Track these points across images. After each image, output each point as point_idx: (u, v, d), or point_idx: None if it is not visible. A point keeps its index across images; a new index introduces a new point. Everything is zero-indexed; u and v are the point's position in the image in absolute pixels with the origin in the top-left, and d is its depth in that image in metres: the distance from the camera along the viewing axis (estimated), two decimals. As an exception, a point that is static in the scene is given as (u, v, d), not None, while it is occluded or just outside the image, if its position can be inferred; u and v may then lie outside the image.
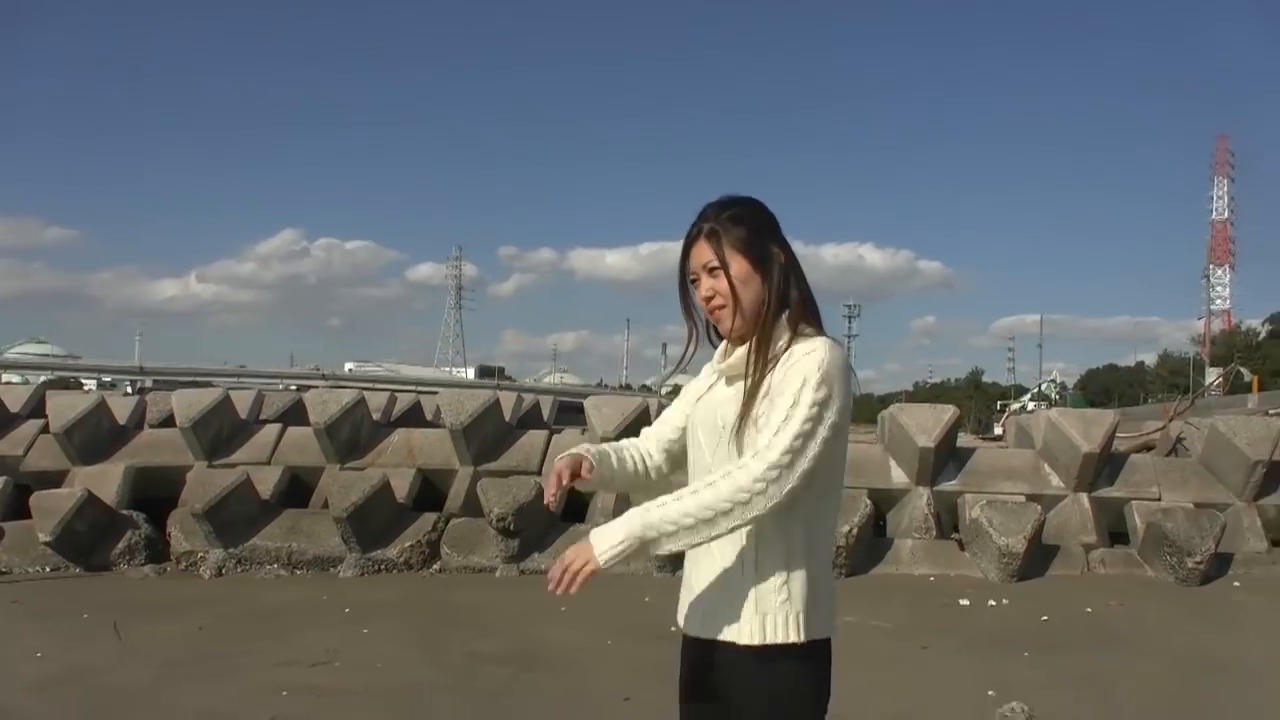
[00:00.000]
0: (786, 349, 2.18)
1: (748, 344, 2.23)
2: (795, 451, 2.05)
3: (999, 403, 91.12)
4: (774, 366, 2.17)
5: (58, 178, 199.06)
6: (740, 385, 2.21)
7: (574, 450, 2.37)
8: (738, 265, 2.21)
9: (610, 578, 7.08)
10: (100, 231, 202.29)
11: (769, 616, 2.12)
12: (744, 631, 2.14)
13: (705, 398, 2.35)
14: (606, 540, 2.06)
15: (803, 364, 2.12)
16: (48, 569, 9.33)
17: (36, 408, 11.75)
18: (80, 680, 6.10)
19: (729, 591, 2.18)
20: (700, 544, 2.09)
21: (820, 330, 2.25)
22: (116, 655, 6.69)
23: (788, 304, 2.24)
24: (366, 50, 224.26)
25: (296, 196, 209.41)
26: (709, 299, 2.26)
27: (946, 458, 10.13)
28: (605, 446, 2.46)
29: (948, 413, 10.16)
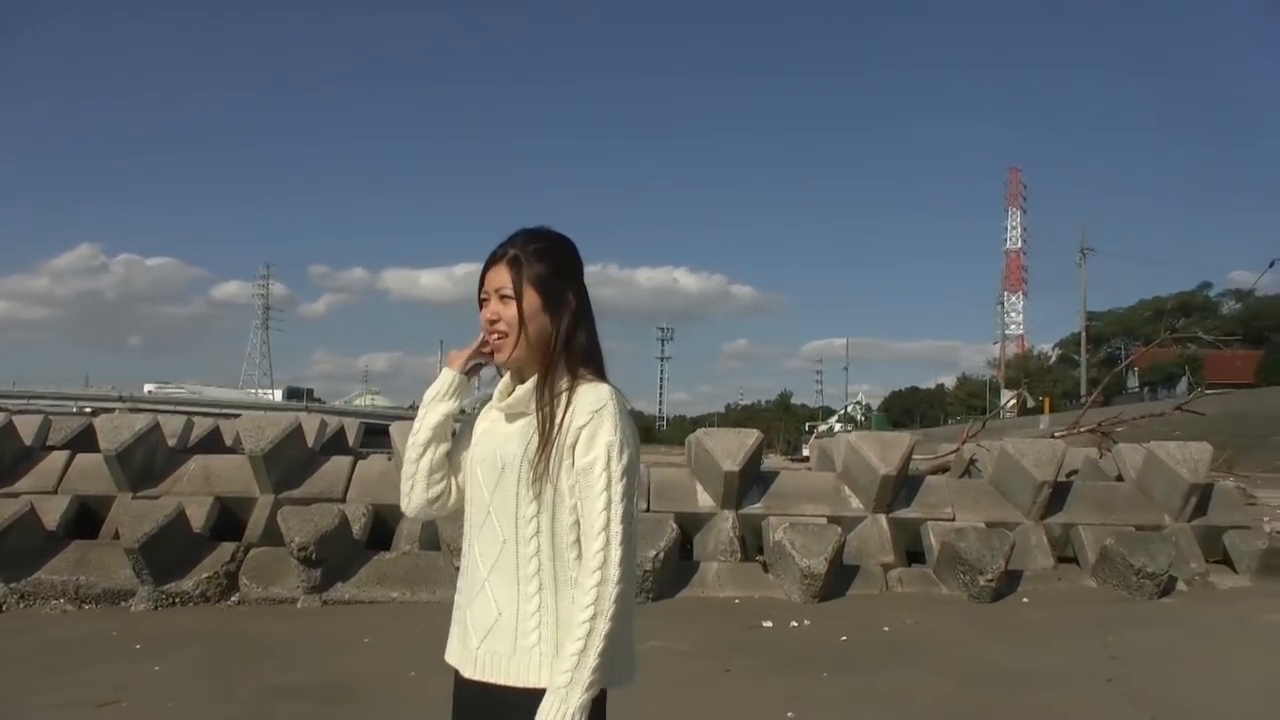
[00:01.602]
0: (569, 390, 2.25)
1: (529, 382, 2.29)
2: (627, 533, 2.17)
3: (808, 424, 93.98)
4: (556, 405, 2.23)
5: None
6: (521, 423, 2.28)
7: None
8: (530, 298, 2.27)
9: (414, 608, 7.08)
10: None
11: (559, 660, 2.14)
12: (537, 673, 2.17)
13: (485, 434, 2.38)
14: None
15: (600, 430, 2.18)
16: None
17: None
18: None
19: (522, 633, 2.21)
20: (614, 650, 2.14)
21: (601, 376, 2.32)
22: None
23: (573, 347, 2.30)
24: (174, 65, 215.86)
25: (96, 210, 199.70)
26: (493, 322, 2.31)
27: (751, 481, 10.42)
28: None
29: (751, 437, 10.45)
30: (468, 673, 2.28)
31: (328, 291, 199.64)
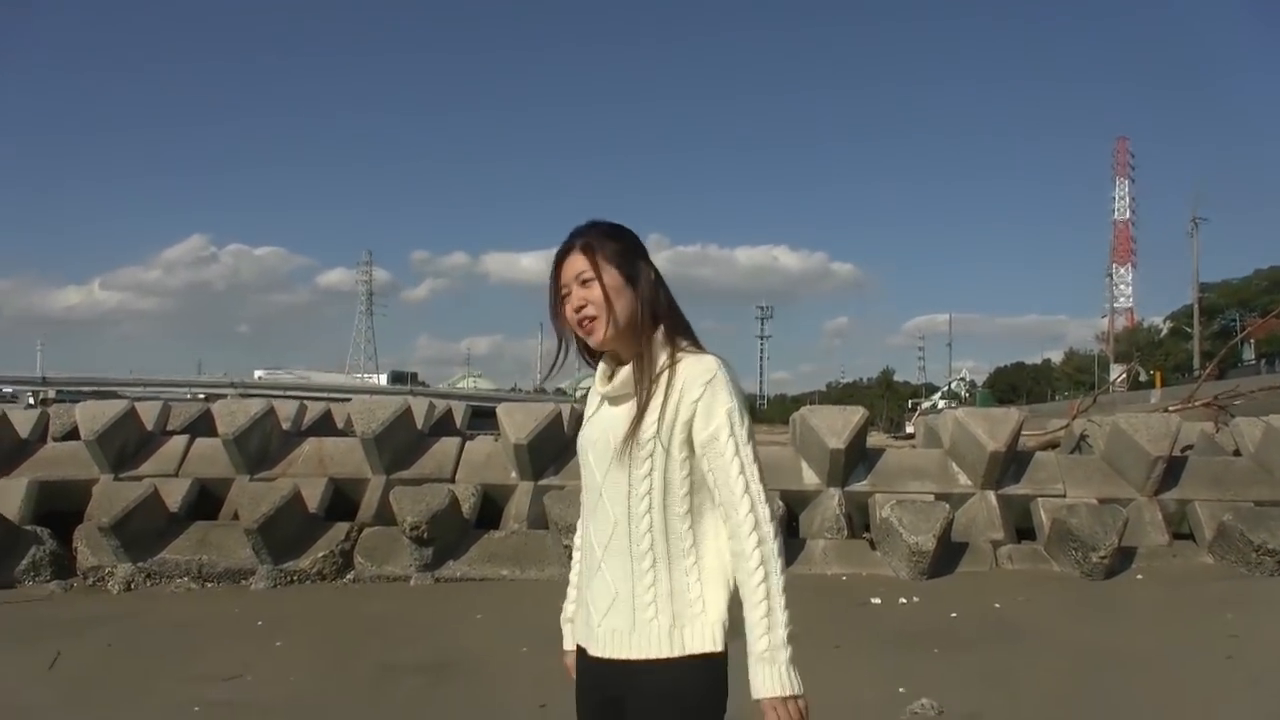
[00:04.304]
0: (670, 365, 2.27)
1: (629, 365, 2.31)
2: (765, 492, 2.23)
3: (910, 401, 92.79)
4: (659, 384, 2.25)
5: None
6: (626, 405, 2.29)
7: (567, 649, 2.52)
8: (610, 276, 2.29)
9: (523, 586, 7.17)
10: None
11: (685, 629, 2.21)
12: (659, 645, 2.21)
13: (593, 420, 2.41)
14: (781, 683, 2.17)
15: (716, 400, 2.22)
16: (-52, 587, 9.12)
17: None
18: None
19: (639, 608, 2.24)
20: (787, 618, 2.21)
21: (697, 344, 2.34)
22: (22, 676, 6.58)
23: (659, 318, 2.32)
24: (276, 48, 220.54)
25: (205, 201, 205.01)
26: (580, 309, 2.31)
27: (857, 458, 10.34)
28: (573, 611, 2.53)
29: (857, 414, 10.37)
30: (593, 650, 2.32)
31: (429, 276, 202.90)
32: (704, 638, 2.21)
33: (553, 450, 10.36)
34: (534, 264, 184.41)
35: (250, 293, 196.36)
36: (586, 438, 2.40)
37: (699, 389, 2.22)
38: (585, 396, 2.54)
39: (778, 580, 2.17)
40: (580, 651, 2.38)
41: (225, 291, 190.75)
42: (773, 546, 2.18)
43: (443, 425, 12.11)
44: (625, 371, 2.31)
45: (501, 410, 10.73)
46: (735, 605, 2.24)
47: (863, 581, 9.03)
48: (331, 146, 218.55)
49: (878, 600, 8.37)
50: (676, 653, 2.21)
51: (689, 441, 2.24)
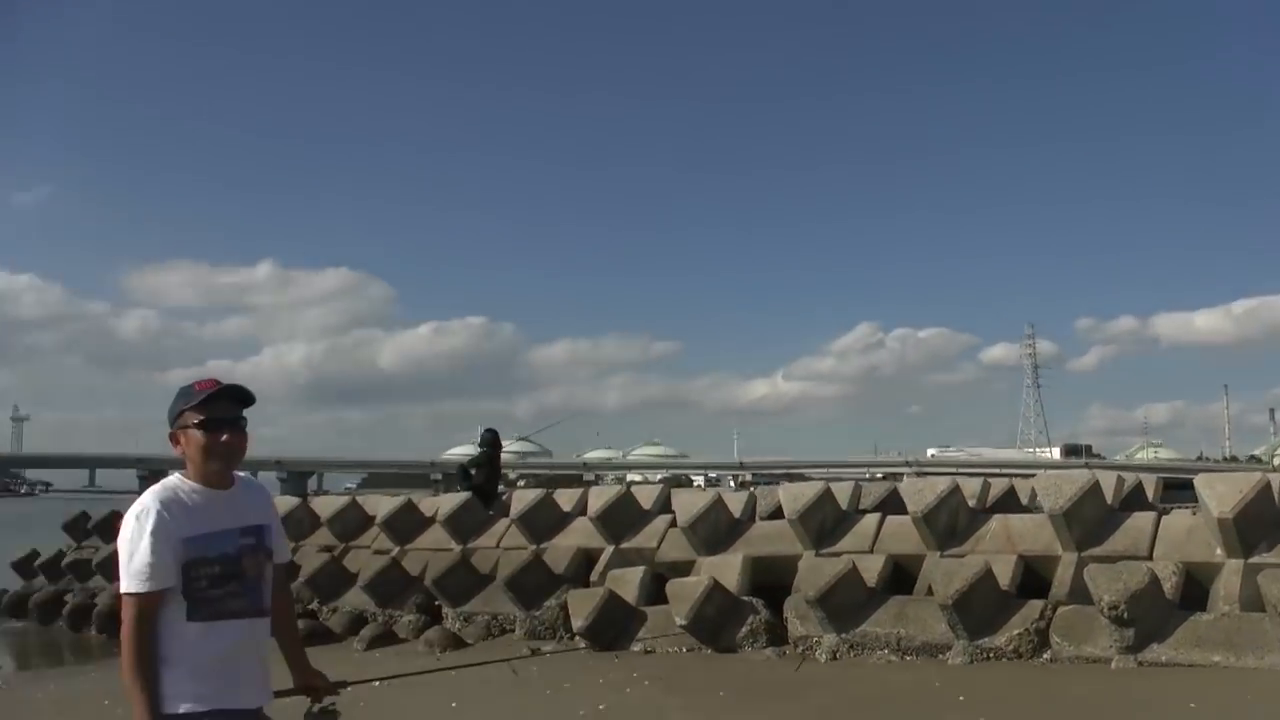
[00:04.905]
0: None
1: None
2: None
3: None
4: None
5: (659, 299, 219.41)
6: None
7: None
8: None
9: (1243, 672, 6.68)
10: (697, 343, 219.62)
11: None
12: None
13: None
14: None
15: None
16: (683, 649, 10.35)
17: (664, 504, 13.18)
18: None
19: None
20: None
21: None
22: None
23: None
24: (910, 135, 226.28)
25: (868, 290, 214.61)
26: None
27: None
28: None
29: None
30: None
31: (1096, 344, 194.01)
32: None
33: (1263, 524, 9.49)
34: (1209, 321, 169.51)
35: (917, 374, 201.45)
36: None
37: None
38: None
39: None
40: None
41: (894, 374, 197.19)
42: None
43: (1133, 499, 11.58)
44: None
45: (1200, 481, 10.03)
46: None
47: None
48: (993, 230, 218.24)
49: None
50: None
51: None
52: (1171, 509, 11.30)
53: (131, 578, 3.10)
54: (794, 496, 11.62)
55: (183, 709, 3.12)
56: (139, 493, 3.42)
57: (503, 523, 13.81)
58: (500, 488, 16.06)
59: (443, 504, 14.67)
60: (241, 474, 3.46)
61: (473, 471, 15.41)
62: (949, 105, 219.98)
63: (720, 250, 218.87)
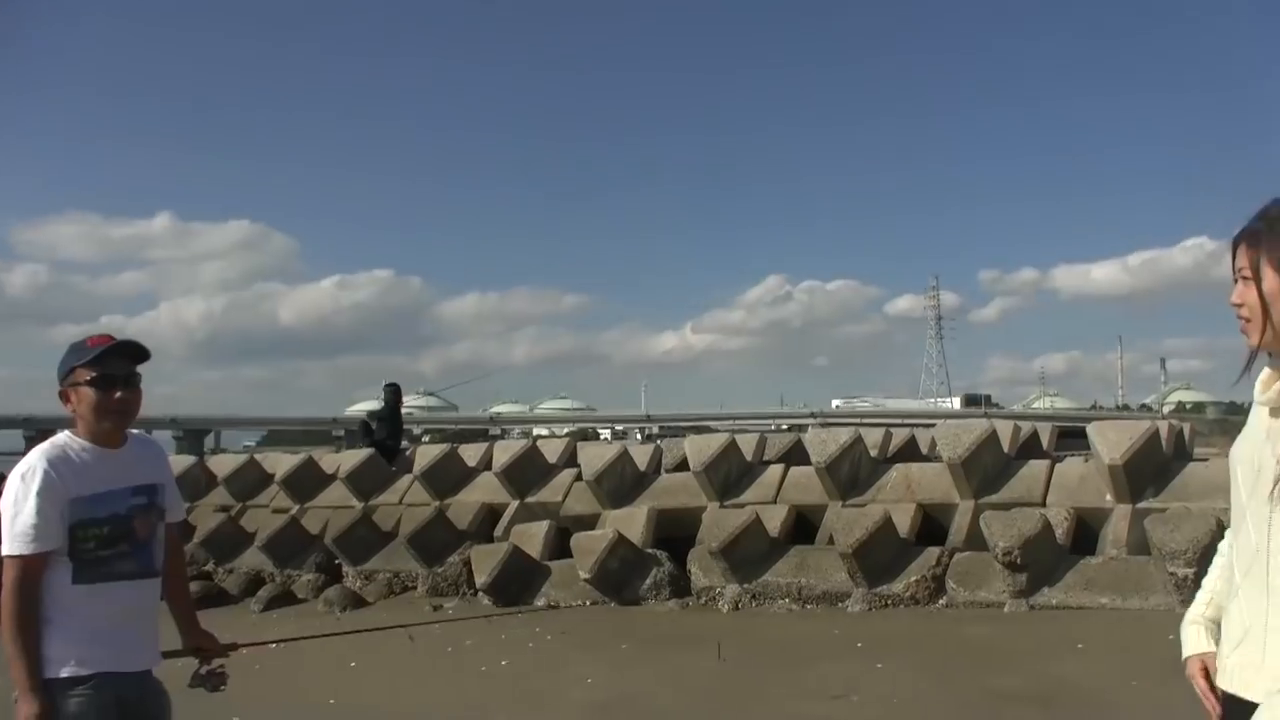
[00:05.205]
0: None
1: None
2: None
3: None
4: None
5: (569, 252, 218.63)
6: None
7: (1190, 654, 2.32)
8: (1270, 280, 2.03)
9: (1125, 615, 6.79)
10: (607, 296, 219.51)
11: None
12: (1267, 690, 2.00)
13: (1247, 432, 2.18)
14: None
15: None
16: (587, 602, 10.35)
17: (570, 458, 13.15)
18: (629, 705, 6.78)
19: (1261, 646, 2.04)
20: None
21: None
22: (656, 682, 7.35)
23: None
24: (817, 95, 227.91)
25: (779, 244, 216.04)
26: (1237, 306, 2.10)
27: None
28: (1205, 612, 2.35)
29: None
30: (1219, 681, 2.16)
31: (998, 296, 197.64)
32: None
33: (1151, 470, 9.75)
34: (1106, 273, 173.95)
35: (825, 326, 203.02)
36: (1237, 451, 2.18)
37: None
38: (1180, 406, 2.36)
39: None
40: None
41: (802, 327, 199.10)
42: None
43: (1029, 448, 11.82)
44: None
45: (1093, 429, 10.27)
46: None
47: None
48: (890, 178, 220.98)
49: None
50: None
51: None
52: (1065, 456, 11.55)
53: (14, 539, 2.99)
54: (699, 449, 11.66)
55: (65, 673, 3.01)
56: (24, 454, 3.28)
57: (406, 479, 13.66)
58: (405, 444, 15.86)
59: (344, 461, 14.46)
60: (135, 431, 3.34)
61: (374, 426, 15.20)
62: (852, 64, 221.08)
63: (630, 203, 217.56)
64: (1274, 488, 2.01)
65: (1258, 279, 2.05)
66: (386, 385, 15.74)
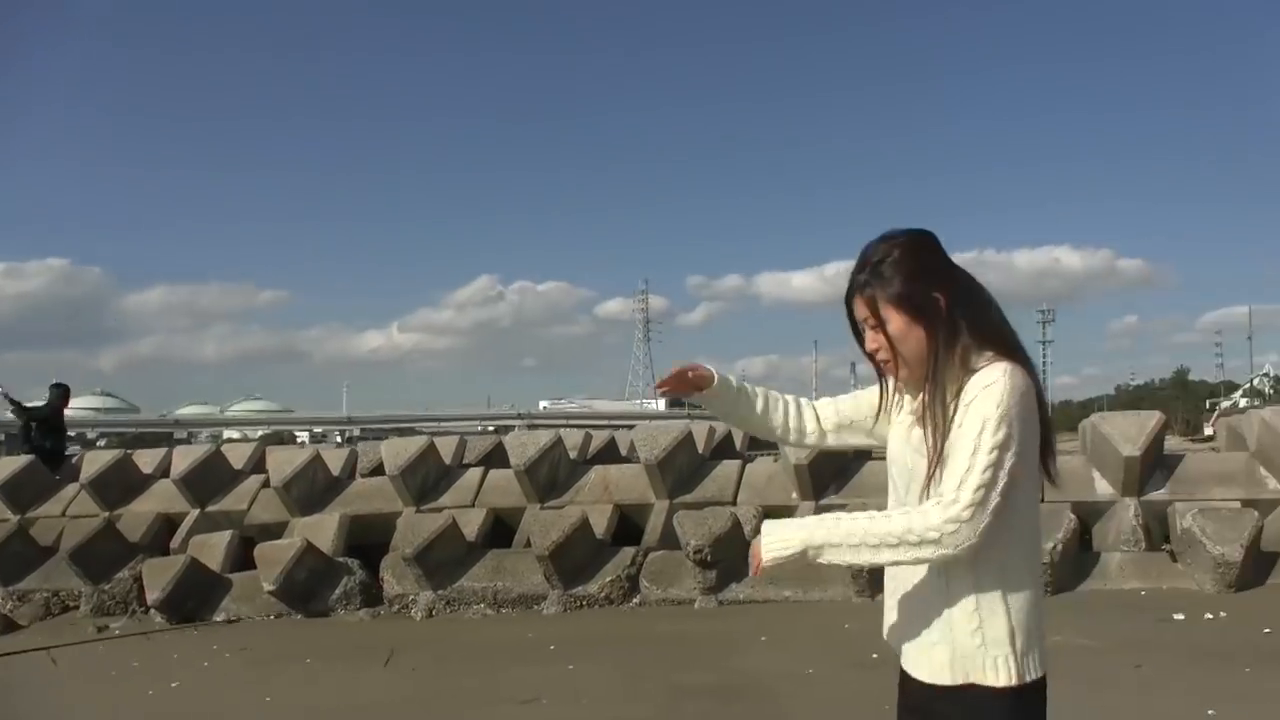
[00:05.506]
0: (959, 390, 2.15)
1: (922, 396, 2.22)
2: (977, 505, 2.04)
3: (1208, 401, 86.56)
4: (945, 414, 2.15)
5: (267, 245, 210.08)
6: (920, 431, 2.21)
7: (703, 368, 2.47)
8: (895, 322, 2.20)
9: (807, 607, 7.06)
10: (308, 291, 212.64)
11: (965, 657, 2.13)
12: (937, 670, 2.15)
13: (898, 430, 2.34)
14: (778, 543, 2.21)
15: (980, 405, 2.09)
16: (272, 616, 9.83)
17: (258, 463, 12.46)
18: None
19: (923, 625, 2.20)
20: (860, 565, 2.24)
21: (1001, 352, 2.19)
22: (339, 696, 7.02)
23: (958, 345, 2.19)
24: (545, 94, 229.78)
25: (491, 244, 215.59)
26: (874, 352, 2.28)
27: (1153, 466, 9.68)
28: (751, 386, 2.54)
29: (1153, 419, 9.76)
30: (902, 664, 2.29)
31: (705, 300, 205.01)
32: (986, 667, 2.11)
33: (833, 469, 10.20)
34: (805, 282, 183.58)
35: (536, 327, 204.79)
36: (893, 450, 2.35)
37: (970, 397, 2.11)
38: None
39: (886, 530, 2.09)
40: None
41: (512, 327, 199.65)
42: (922, 529, 2.05)
43: (723, 448, 12.14)
44: (921, 390, 2.22)
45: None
46: (1031, 632, 2.15)
47: (1163, 596, 8.39)
48: (606, 182, 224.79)
49: (1181, 616, 7.78)
50: (959, 680, 2.12)
51: None
52: (756, 456, 11.93)
53: None
54: (396, 452, 11.34)
55: None
56: None
57: (71, 488, 12.53)
58: (74, 449, 14.66)
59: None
60: None
61: (33, 429, 13.89)
62: (571, 68, 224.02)
63: (335, 195, 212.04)
64: (922, 490, 2.17)
65: (882, 324, 2.23)
66: (53, 385, 14.51)
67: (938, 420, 2.14)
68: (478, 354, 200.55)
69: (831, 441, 2.54)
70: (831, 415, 2.54)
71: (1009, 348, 2.21)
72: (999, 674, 2.10)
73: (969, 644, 2.11)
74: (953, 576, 2.14)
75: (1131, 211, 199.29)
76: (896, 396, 2.38)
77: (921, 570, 2.18)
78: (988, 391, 2.09)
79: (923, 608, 2.19)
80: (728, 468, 10.86)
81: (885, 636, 2.36)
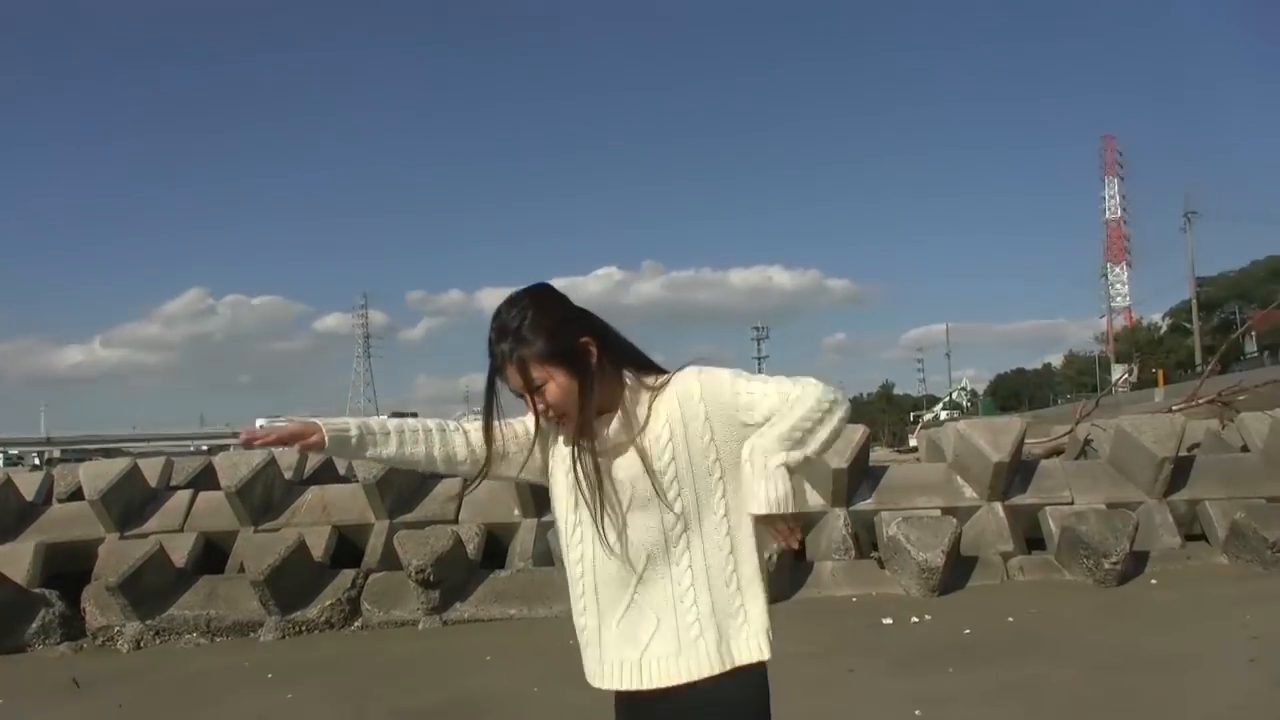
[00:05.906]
0: (652, 404, 2.28)
1: (615, 419, 2.28)
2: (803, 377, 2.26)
3: (912, 414, 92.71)
4: (649, 422, 2.26)
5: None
6: (630, 451, 2.27)
7: (312, 421, 2.37)
8: (554, 381, 2.23)
9: (532, 624, 7.18)
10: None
11: (732, 641, 2.24)
12: (708, 663, 2.22)
13: (605, 461, 2.30)
14: (779, 494, 2.16)
15: (718, 387, 2.26)
16: (-40, 655, 9.11)
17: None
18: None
19: (675, 633, 2.24)
20: (829, 446, 2.24)
21: (657, 370, 2.35)
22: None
23: (618, 368, 2.29)
24: (257, 100, 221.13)
25: (202, 255, 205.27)
26: (545, 412, 2.28)
27: (860, 477, 10.33)
28: (383, 423, 2.46)
29: (858, 432, 10.37)
30: (636, 684, 2.27)
31: (426, 316, 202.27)
32: (750, 648, 2.26)
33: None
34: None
35: (251, 342, 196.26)
36: (614, 472, 2.30)
37: (696, 403, 2.24)
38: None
39: (810, 406, 2.20)
40: (616, 696, 2.35)
41: (226, 342, 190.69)
42: (821, 394, 2.21)
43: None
44: (615, 425, 2.27)
45: None
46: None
47: (873, 601, 9.00)
48: (324, 193, 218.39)
49: (889, 620, 8.34)
50: (727, 666, 2.23)
51: (712, 445, 2.25)
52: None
53: None
54: (96, 475, 10.74)
55: None
56: None
57: None
58: None
59: None
60: None
61: None
62: (258, 72, 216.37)
63: (25, 198, 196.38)
64: (657, 495, 2.25)
65: (542, 386, 2.24)
66: None
67: (642, 433, 2.26)
68: (190, 370, 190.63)
69: (494, 472, 2.46)
70: (481, 443, 2.44)
71: (657, 365, 2.38)
72: (763, 650, 2.26)
73: (734, 628, 2.25)
74: (704, 579, 2.25)
75: (836, 233, 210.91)
76: (554, 434, 2.39)
77: (663, 587, 2.26)
78: (707, 373, 2.28)
79: (674, 617, 2.25)
80: (448, 485, 10.86)
81: (601, 677, 2.34)
